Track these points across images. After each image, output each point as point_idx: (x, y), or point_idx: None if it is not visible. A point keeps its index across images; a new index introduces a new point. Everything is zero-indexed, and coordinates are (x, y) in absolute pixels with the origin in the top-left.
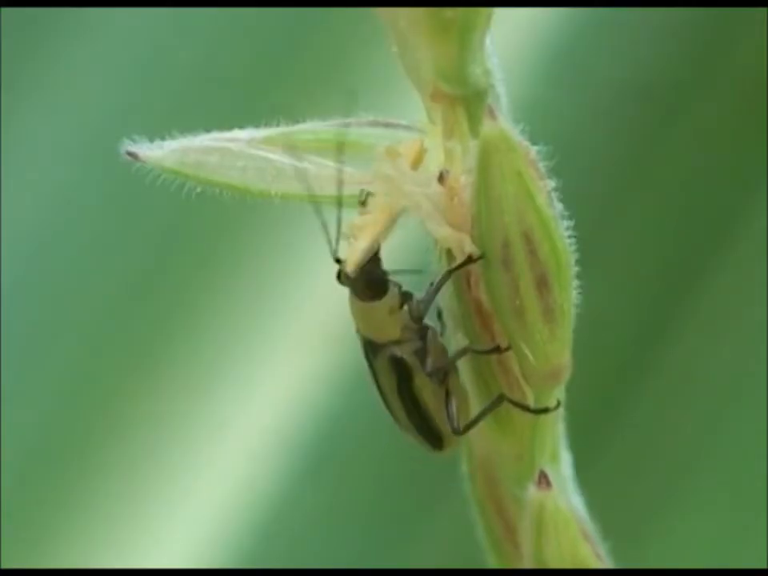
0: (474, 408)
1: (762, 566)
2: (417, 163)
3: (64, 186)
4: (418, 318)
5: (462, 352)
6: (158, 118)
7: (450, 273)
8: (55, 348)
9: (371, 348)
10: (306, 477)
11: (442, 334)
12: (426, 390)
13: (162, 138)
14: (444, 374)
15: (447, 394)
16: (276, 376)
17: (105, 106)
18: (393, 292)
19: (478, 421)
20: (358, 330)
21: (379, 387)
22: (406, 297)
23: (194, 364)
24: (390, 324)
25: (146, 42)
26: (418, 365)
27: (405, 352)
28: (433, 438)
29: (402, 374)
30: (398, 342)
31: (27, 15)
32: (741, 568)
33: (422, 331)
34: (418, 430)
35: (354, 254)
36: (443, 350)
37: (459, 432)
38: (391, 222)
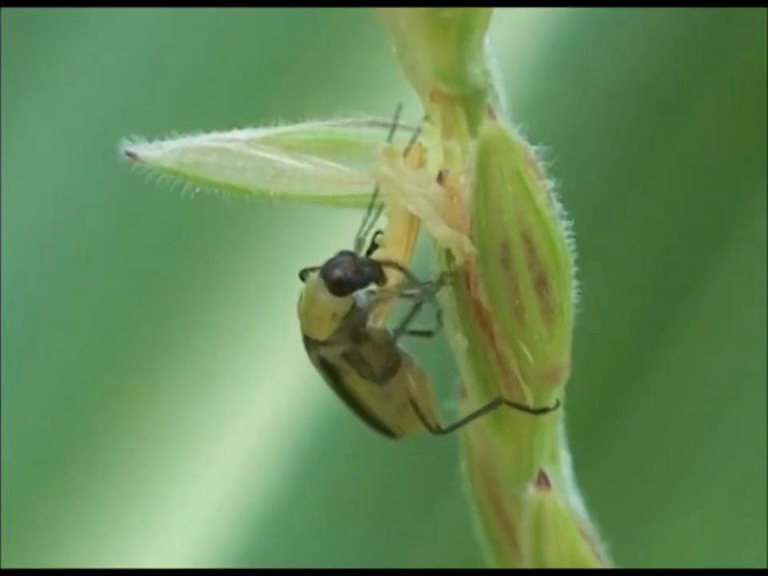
0: (472, 407)
1: (762, 566)
2: (417, 163)
3: (64, 186)
4: (353, 329)
5: (397, 334)
6: (158, 118)
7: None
8: (55, 348)
9: (305, 342)
10: (305, 477)
11: (432, 333)
12: (361, 389)
13: (161, 138)
14: (387, 373)
15: (412, 399)
16: (276, 376)
17: (105, 105)
18: (347, 300)
19: (466, 421)
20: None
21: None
22: (355, 311)
23: (194, 364)
24: (324, 324)
25: (146, 42)
26: (347, 367)
27: (330, 354)
28: (383, 431)
29: (330, 372)
30: (324, 344)
31: (27, 15)
32: (741, 568)
33: (356, 335)
34: (367, 425)
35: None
36: (385, 350)
37: (441, 432)
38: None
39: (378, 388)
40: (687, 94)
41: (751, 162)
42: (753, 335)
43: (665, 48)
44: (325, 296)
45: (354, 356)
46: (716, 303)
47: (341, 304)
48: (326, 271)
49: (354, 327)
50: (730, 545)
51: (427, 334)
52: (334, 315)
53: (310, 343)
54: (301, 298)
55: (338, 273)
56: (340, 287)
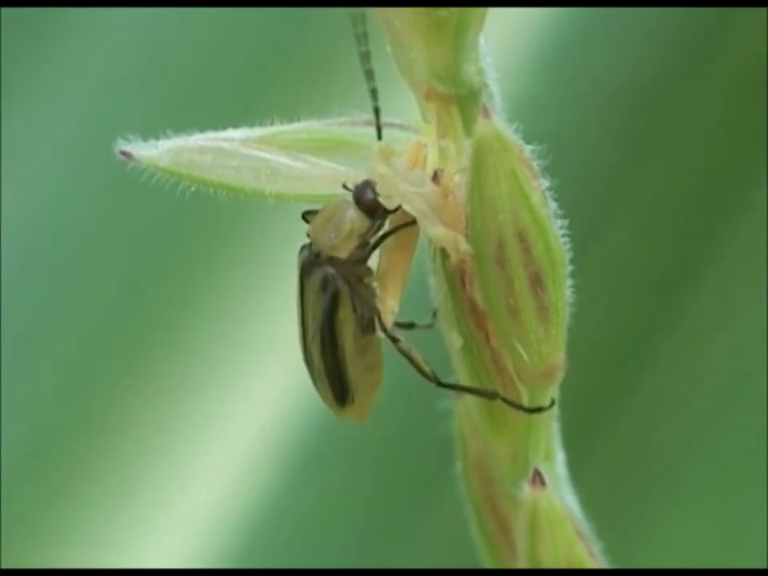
0: (467, 405)
1: (761, 565)
2: (418, 163)
3: (63, 185)
4: (363, 255)
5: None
6: (157, 118)
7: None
8: (53, 348)
9: (308, 267)
10: (302, 477)
11: (414, 325)
12: (347, 328)
13: (157, 138)
14: (370, 325)
15: (406, 353)
16: (272, 374)
17: (104, 105)
18: (369, 223)
19: (460, 389)
20: (302, 248)
21: (303, 318)
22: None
23: (191, 362)
24: (349, 241)
25: (146, 42)
26: (347, 295)
27: (338, 276)
28: (340, 388)
29: (328, 299)
30: (336, 262)
31: (27, 15)
32: (740, 568)
33: (363, 272)
34: (327, 376)
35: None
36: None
37: (438, 383)
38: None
39: (361, 337)
40: (686, 94)
41: (749, 162)
42: (751, 334)
43: (663, 48)
44: (355, 213)
45: (357, 283)
46: (713, 302)
47: (366, 224)
48: (360, 190)
49: (367, 251)
50: (729, 544)
51: (409, 325)
52: (361, 235)
53: (319, 262)
54: (321, 217)
55: (372, 191)
56: (372, 205)
